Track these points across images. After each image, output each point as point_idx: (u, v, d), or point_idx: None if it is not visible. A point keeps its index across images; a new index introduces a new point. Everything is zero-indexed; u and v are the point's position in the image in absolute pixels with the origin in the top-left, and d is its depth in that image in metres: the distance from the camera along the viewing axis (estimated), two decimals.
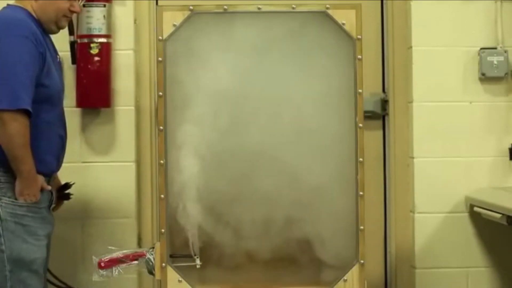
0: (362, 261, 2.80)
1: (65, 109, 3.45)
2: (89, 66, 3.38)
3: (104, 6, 3.39)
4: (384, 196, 3.70)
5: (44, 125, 2.80)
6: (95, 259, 2.81)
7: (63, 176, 3.46)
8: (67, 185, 3.08)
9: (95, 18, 3.38)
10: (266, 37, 2.81)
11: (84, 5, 3.36)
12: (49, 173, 2.89)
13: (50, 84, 2.81)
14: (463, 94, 3.52)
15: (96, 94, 3.41)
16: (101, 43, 3.38)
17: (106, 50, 3.40)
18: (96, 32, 3.38)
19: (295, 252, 2.81)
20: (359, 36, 2.79)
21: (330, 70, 2.82)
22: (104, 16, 3.39)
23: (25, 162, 2.71)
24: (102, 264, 2.80)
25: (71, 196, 3.07)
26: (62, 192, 3.06)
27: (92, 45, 3.37)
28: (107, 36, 3.40)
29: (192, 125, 2.80)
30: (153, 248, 2.82)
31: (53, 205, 2.95)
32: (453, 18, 3.52)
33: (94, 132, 3.47)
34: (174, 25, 2.79)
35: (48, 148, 2.84)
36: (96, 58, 3.37)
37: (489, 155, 3.53)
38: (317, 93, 2.82)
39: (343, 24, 2.79)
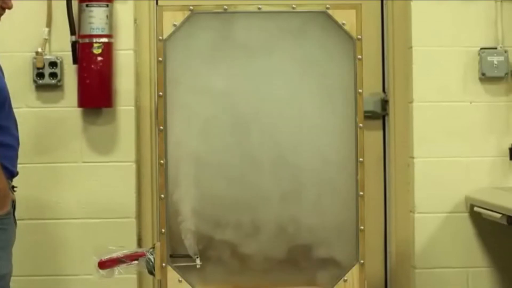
0: (362, 261, 2.80)
1: (66, 108, 3.47)
2: (92, 66, 3.37)
3: (107, 6, 3.39)
4: (384, 196, 3.70)
5: (2, 132, 2.69)
6: (95, 259, 2.81)
7: (63, 176, 3.47)
8: None
9: (98, 18, 3.37)
10: (266, 37, 2.81)
11: (87, 5, 3.36)
12: (11, 178, 2.78)
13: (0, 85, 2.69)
14: (463, 94, 3.52)
15: (99, 94, 3.40)
16: (103, 43, 3.38)
17: (108, 50, 3.40)
18: (99, 32, 3.38)
19: (295, 252, 2.81)
20: (359, 36, 2.79)
21: (330, 70, 2.82)
22: (107, 16, 3.39)
23: (1, 181, 2.63)
24: (102, 264, 2.80)
25: (15, 189, 2.87)
26: None
27: (95, 45, 3.37)
28: (109, 36, 3.40)
29: (192, 125, 2.80)
30: (153, 248, 2.82)
31: None
32: (453, 18, 3.52)
33: (94, 132, 3.47)
34: (174, 25, 2.79)
35: (8, 154, 2.72)
36: (99, 58, 3.37)
37: (489, 155, 3.53)
38: (317, 93, 2.82)
39: (343, 24, 2.79)
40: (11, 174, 2.77)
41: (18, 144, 2.82)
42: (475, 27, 3.52)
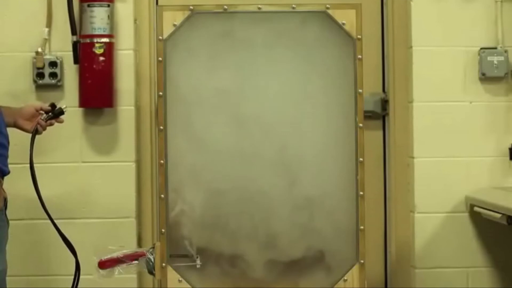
0: (362, 261, 2.80)
1: (67, 108, 3.46)
2: (94, 66, 3.36)
3: (108, 6, 3.39)
4: (384, 196, 3.70)
5: None
6: (95, 259, 2.81)
7: (63, 175, 3.47)
8: (54, 105, 2.95)
9: (99, 18, 3.37)
10: (266, 37, 2.81)
11: (88, 5, 3.36)
12: (2, 177, 2.75)
13: None
14: (463, 94, 3.52)
15: (100, 94, 3.40)
16: (105, 42, 3.38)
17: (110, 50, 3.40)
18: (100, 32, 3.37)
19: (295, 252, 2.82)
20: (359, 36, 2.80)
21: (330, 70, 2.82)
22: (108, 16, 3.39)
23: None
24: (102, 264, 2.80)
25: (65, 109, 2.92)
26: (53, 110, 2.94)
27: (96, 45, 3.37)
28: (110, 36, 3.40)
29: (192, 125, 2.81)
30: (153, 248, 2.82)
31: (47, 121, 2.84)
32: (453, 18, 3.52)
33: (94, 132, 3.47)
34: (174, 25, 2.79)
35: (0, 152, 2.71)
36: (101, 58, 3.37)
37: (489, 155, 3.53)
38: (317, 93, 2.82)
39: (343, 24, 2.79)
40: (3, 173, 2.77)
41: (8, 142, 2.81)
42: (475, 27, 3.52)
